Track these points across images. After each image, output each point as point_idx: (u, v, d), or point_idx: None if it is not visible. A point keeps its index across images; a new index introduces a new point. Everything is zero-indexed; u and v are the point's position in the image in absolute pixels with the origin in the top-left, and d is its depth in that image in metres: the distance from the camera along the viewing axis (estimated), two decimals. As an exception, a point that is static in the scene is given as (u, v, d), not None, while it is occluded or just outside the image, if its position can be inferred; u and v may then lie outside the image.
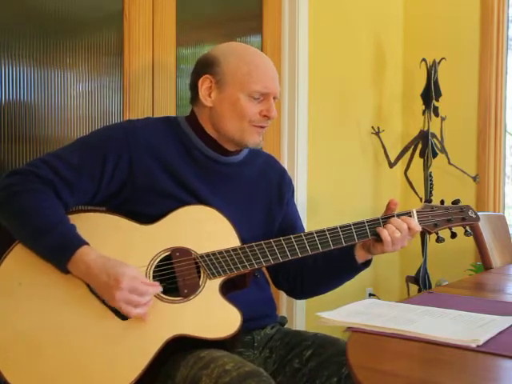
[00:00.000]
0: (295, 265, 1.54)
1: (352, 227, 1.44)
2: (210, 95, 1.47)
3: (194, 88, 1.51)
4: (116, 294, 1.22)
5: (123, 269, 1.25)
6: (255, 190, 1.56)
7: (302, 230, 1.64)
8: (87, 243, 1.27)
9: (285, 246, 1.41)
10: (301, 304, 2.63)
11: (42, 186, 1.32)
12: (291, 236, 1.43)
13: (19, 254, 1.29)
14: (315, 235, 1.43)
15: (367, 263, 1.52)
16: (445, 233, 1.51)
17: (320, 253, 1.45)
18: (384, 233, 1.42)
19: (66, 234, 1.27)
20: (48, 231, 1.26)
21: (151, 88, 2.07)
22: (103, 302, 1.28)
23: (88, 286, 1.28)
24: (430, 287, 2.87)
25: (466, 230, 1.51)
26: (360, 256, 1.49)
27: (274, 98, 1.48)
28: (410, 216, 1.46)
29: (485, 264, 2.07)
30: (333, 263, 1.52)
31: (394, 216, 1.45)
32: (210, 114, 1.48)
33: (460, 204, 1.51)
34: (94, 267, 1.24)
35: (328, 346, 1.43)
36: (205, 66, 1.48)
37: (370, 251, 1.48)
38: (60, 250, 1.25)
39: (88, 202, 1.41)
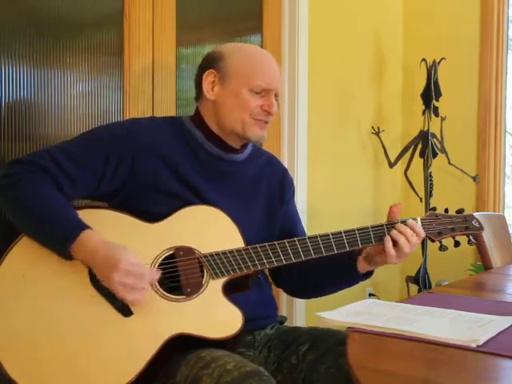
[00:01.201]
0: (298, 267, 1.54)
1: (356, 232, 1.44)
2: (213, 89, 1.49)
3: (198, 84, 1.52)
4: (113, 275, 1.22)
5: (123, 251, 1.25)
6: (257, 189, 1.56)
7: (303, 232, 1.65)
8: (89, 227, 1.28)
9: (289, 248, 1.41)
10: (301, 304, 2.63)
11: (43, 176, 1.32)
12: (295, 239, 1.43)
13: (24, 247, 1.30)
14: (319, 239, 1.43)
15: (368, 274, 1.51)
16: (448, 241, 1.51)
17: (323, 257, 1.45)
18: (388, 244, 1.41)
19: (68, 220, 1.28)
20: (50, 217, 1.27)
21: (151, 88, 2.07)
22: (106, 298, 1.28)
23: (91, 280, 1.29)
24: (430, 287, 2.86)
25: (469, 239, 1.52)
26: (362, 267, 1.49)
27: (276, 96, 1.50)
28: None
29: (485, 264, 2.07)
30: (335, 270, 1.52)
31: (398, 222, 1.44)
32: (213, 108, 1.49)
33: (464, 213, 1.51)
34: (97, 249, 1.25)
35: (324, 338, 1.44)
36: (209, 62, 1.51)
37: (372, 263, 1.47)
38: (63, 234, 1.26)
39: (89, 195, 1.42)
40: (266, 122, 1.50)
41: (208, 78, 1.49)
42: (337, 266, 1.51)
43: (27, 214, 1.29)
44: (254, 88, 1.45)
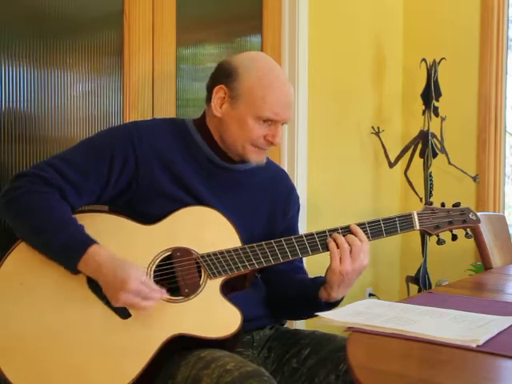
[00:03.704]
0: (273, 291, 1.55)
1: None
2: (221, 106, 1.46)
3: (209, 92, 1.49)
4: (121, 296, 1.23)
5: (131, 270, 1.26)
6: (259, 200, 1.55)
7: None
8: (96, 242, 1.28)
9: (285, 246, 1.41)
10: (301, 304, 2.62)
11: (47, 188, 1.33)
12: (292, 237, 1.43)
13: (20, 254, 1.30)
14: (316, 236, 1.43)
15: (332, 304, 1.46)
16: (445, 235, 1.51)
17: (292, 282, 1.50)
18: (331, 244, 1.40)
19: (76, 234, 1.29)
20: (56, 232, 1.27)
21: (151, 88, 2.07)
22: (103, 301, 1.28)
23: (88, 285, 1.29)
24: (430, 287, 2.86)
25: (466, 233, 1.52)
26: (322, 293, 1.45)
27: (283, 123, 1.47)
28: (410, 217, 1.47)
29: (485, 264, 2.07)
30: (299, 293, 1.51)
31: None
32: (218, 124, 1.48)
33: (461, 206, 1.52)
34: (104, 266, 1.25)
35: (325, 343, 1.44)
36: (223, 75, 1.46)
37: (329, 286, 1.42)
38: (70, 250, 1.26)
39: (94, 202, 1.42)
40: (266, 149, 1.49)
41: (218, 93, 1.45)
42: (302, 290, 1.50)
43: (33, 229, 1.30)
44: (261, 118, 1.43)
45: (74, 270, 1.27)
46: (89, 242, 1.28)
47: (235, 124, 1.44)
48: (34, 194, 1.31)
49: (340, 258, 1.38)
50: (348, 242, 1.39)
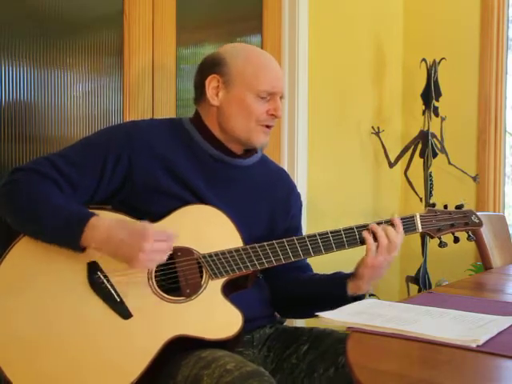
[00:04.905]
0: (284, 288, 1.55)
1: (355, 229, 1.44)
2: (217, 95, 1.47)
3: (199, 87, 1.51)
4: (145, 245, 1.22)
5: (138, 223, 1.27)
6: (260, 198, 1.55)
7: None
8: (95, 214, 1.28)
9: (287, 247, 1.41)
10: (301, 304, 2.62)
11: (44, 180, 1.33)
12: (294, 238, 1.43)
13: (19, 253, 1.30)
14: (318, 237, 1.43)
15: (357, 298, 1.48)
16: (447, 238, 1.51)
17: (311, 280, 1.51)
18: (368, 237, 1.41)
19: (73, 211, 1.28)
20: (54, 213, 1.27)
21: (151, 88, 2.07)
22: (105, 301, 1.28)
23: (89, 283, 1.29)
24: (430, 287, 2.86)
25: (468, 235, 1.52)
26: (351, 288, 1.47)
27: (281, 98, 1.50)
28: (413, 219, 1.46)
29: (485, 264, 2.07)
30: (323, 291, 1.51)
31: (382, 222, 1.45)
32: (216, 114, 1.48)
33: (463, 209, 1.51)
34: (113, 231, 1.25)
35: (324, 338, 1.45)
36: (212, 66, 1.49)
37: (359, 278, 1.45)
38: (71, 224, 1.26)
39: (88, 200, 1.42)
40: (270, 127, 1.50)
41: (211, 83, 1.47)
42: (325, 287, 1.50)
43: (31, 217, 1.29)
44: (260, 93, 1.45)
45: (78, 247, 1.26)
46: (87, 215, 1.27)
47: (235, 107, 1.46)
48: (28, 186, 1.31)
49: (377, 252, 1.40)
50: (387, 237, 1.40)
